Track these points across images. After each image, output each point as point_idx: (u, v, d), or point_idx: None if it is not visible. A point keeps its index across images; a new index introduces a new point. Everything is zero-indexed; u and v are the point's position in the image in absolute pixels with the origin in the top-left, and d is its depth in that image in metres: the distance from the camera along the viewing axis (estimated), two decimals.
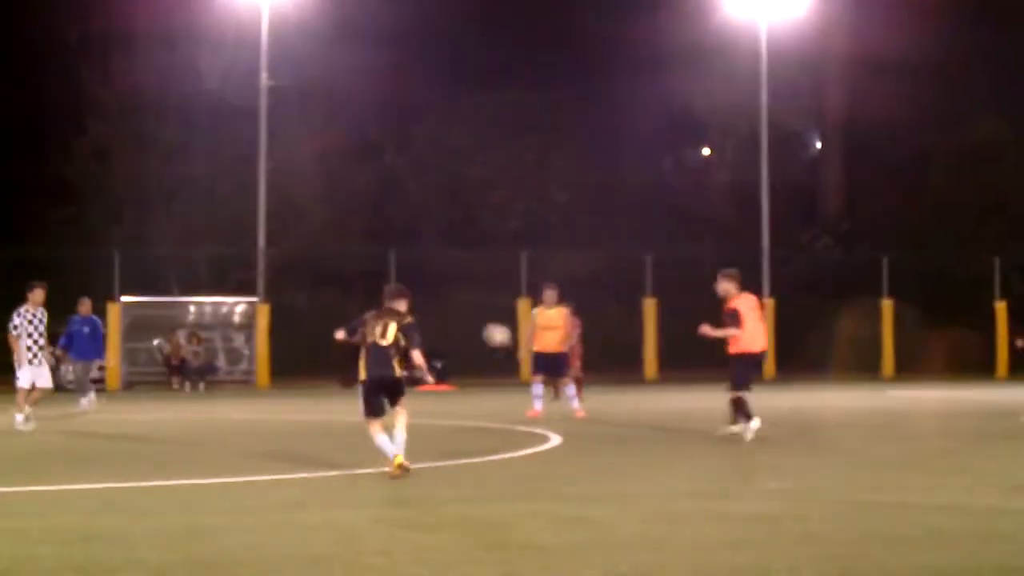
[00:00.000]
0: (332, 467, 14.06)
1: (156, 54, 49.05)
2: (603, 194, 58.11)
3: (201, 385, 38.49)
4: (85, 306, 26.48)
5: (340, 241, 52.79)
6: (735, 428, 17.59)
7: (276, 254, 45.22)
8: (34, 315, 20.86)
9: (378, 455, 13.24)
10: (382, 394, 13.52)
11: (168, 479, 13.13)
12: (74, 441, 18.66)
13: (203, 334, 40.48)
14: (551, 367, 23.35)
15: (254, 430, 21.09)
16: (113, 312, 39.27)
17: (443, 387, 37.88)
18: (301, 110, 51.04)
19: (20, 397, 20.57)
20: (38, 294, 21.04)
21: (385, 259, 43.16)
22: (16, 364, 20.77)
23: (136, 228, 50.37)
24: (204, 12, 46.50)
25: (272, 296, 42.30)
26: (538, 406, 23.16)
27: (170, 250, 48.92)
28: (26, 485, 12.73)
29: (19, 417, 20.30)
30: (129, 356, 40.47)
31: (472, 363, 41.14)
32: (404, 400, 13.50)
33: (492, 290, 46.02)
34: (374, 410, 13.43)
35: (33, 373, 20.75)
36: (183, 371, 39.23)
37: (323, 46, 49.14)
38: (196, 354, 39.40)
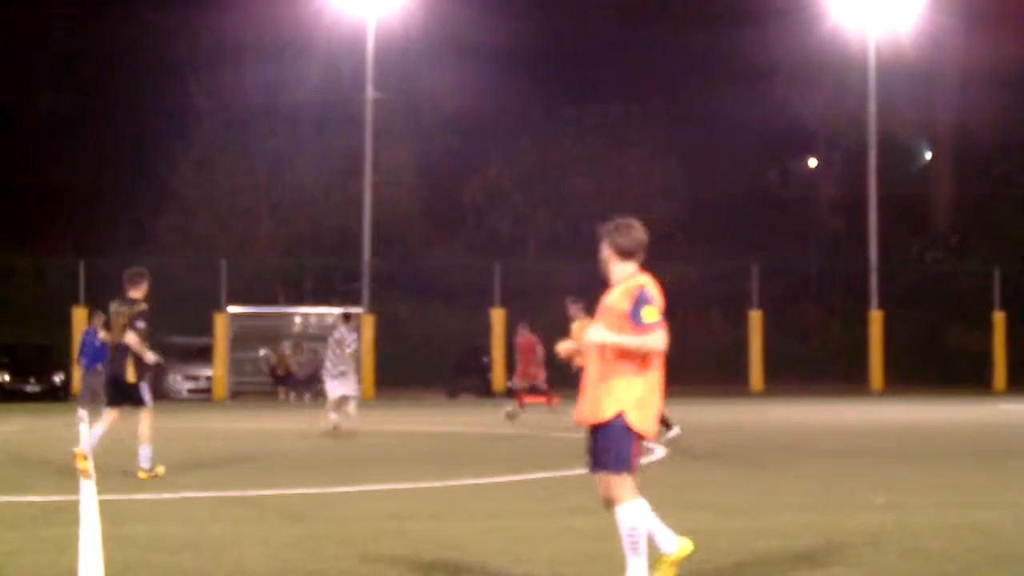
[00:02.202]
0: (433, 478, 14.04)
1: (263, 66, 49.61)
2: (707, 206, 57.75)
3: (307, 395, 38.67)
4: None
5: (445, 253, 52.99)
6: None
7: (381, 265, 45.48)
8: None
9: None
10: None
11: (273, 488, 13.21)
12: (180, 448, 18.82)
13: (308, 345, 40.73)
14: None
15: (360, 441, 21.15)
16: (220, 322, 39.70)
17: (547, 398, 37.77)
18: (407, 122, 51.34)
19: None
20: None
21: (490, 271, 43.19)
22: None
23: (242, 239, 50.93)
24: (311, 24, 46.91)
25: (376, 307, 42.51)
26: None
27: (275, 261, 49.38)
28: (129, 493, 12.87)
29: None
30: (235, 366, 40.81)
31: (576, 375, 40.99)
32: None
33: (595, 302, 45.88)
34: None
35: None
36: (289, 382, 39.54)
37: (428, 59, 49.44)
38: (301, 364, 39.64)
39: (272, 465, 16.38)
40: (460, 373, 41.14)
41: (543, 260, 54.34)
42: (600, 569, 8.37)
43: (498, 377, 40.34)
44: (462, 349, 42.40)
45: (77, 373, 28.28)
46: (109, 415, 14.32)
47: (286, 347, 40.41)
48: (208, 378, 39.94)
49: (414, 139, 52.94)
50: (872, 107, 47.13)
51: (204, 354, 40.15)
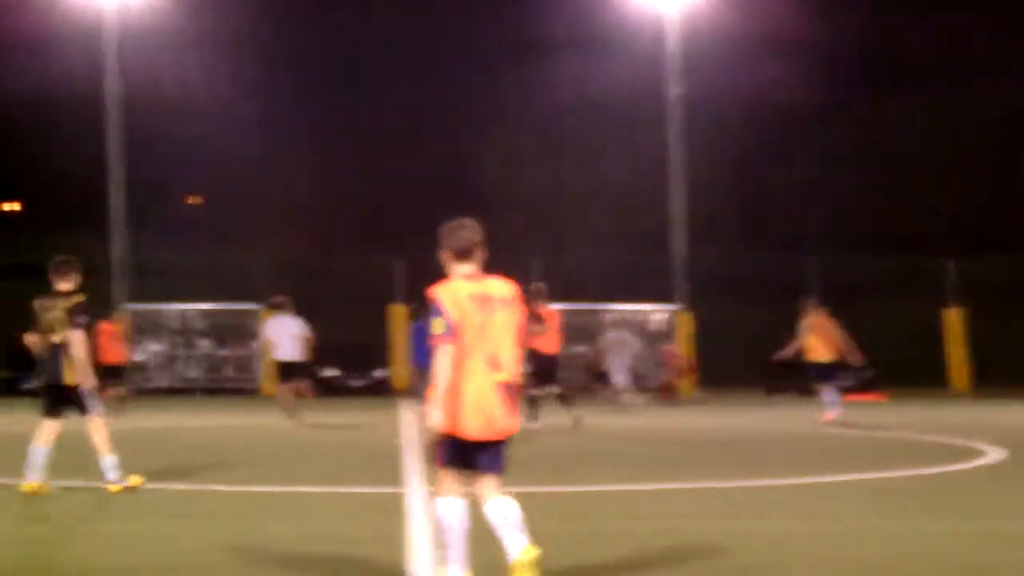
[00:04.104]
0: (756, 476, 13.70)
1: (571, 64, 49.93)
2: None
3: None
4: None
5: (756, 247, 52.28)
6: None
7: (691, 261, 45.02)
8: None
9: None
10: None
11: (593, 484, 13.12)
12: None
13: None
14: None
15: (671, 439, 20.92)
16: None
17: (873, 396, 36.95)
18: (712, 118, 50.84)
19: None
20: None
21: (802, 266, 42.26)
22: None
23: (554, 235, 51.35)
24: (613, 20, 46.85)
25: (689, 304, 42.12)
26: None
27: (586, 257, 49.57)
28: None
29: None
30: None
31: (901, 373, 39.83)
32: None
33: (915, 297, 44.47)
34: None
35: None
36: (605, 379, 39.52)
37: (731, 55, 48.83)
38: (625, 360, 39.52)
39: (600, 460, 16.30)
40: (778, 371, 40.36)
41: (856, 255, 52.96)
42: (929, 572, 7.90)
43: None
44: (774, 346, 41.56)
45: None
46: (47, 427, 12.48)
47: (601, 343, 40.39)
48: (524, 374, 40.34)
49: (720, 133, 52.42)
50: None
51: None
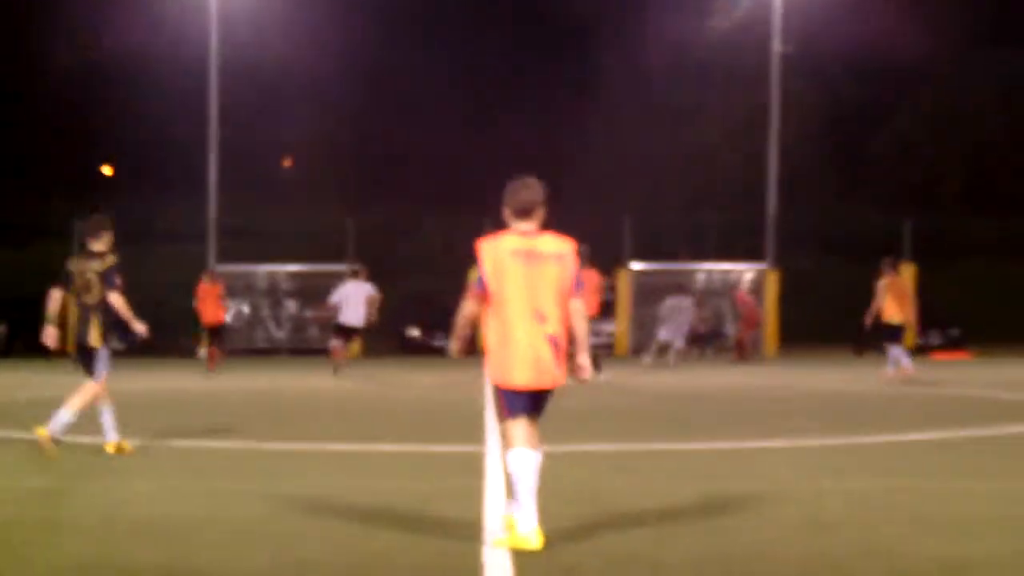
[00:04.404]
0: (839, 434, 13.64)
1: (667, 21, 49.60)
2: None
3: (709, 351, 38.55)
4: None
5: (851, 206, 51.70)
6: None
7: (786, 219, 44.63)
8: None
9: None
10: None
11: (677, 443, 13.14)
12: (590, 401, 19.02)
13: (711, 301, 40.44)
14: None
15: (752, 395, 20.85)
16: (623, 278, 40.03)
17: (960, 355, 36.60)
18: (812, 76, 50.27)
19: None
20: None
21: (898, 226, 41.75)
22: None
23: (647, 194, 51.14)
24: None
25: (781, 262, 41.78)
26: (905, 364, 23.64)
27: (679, 215, 49.32)
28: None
29: None
30: (639, 322, 40.92)
31: (991, 331, 39.31)
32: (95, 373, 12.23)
33: (1011, 257, 43.82)
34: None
35: None
36: (693, 339, 39.40)
37: (833, 11, 48.13)
38: (704, 320, 39.39)
39: (687, 418, 16.33)
40: (866, 331, 39.99)
41: (955, 215, 52.18)
42: (1008, 532, 7.85)
43: (909, 334, 39.13)
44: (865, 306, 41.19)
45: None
46: (92, 389, 12.29)
47: (660, 311, 40.24)
48: (611, 334, 40.34)
49: (820, 91, 51.84)
50: None
51: (607, 310, 40.54)
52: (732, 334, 39.63)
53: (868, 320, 24.29)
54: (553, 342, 7.61)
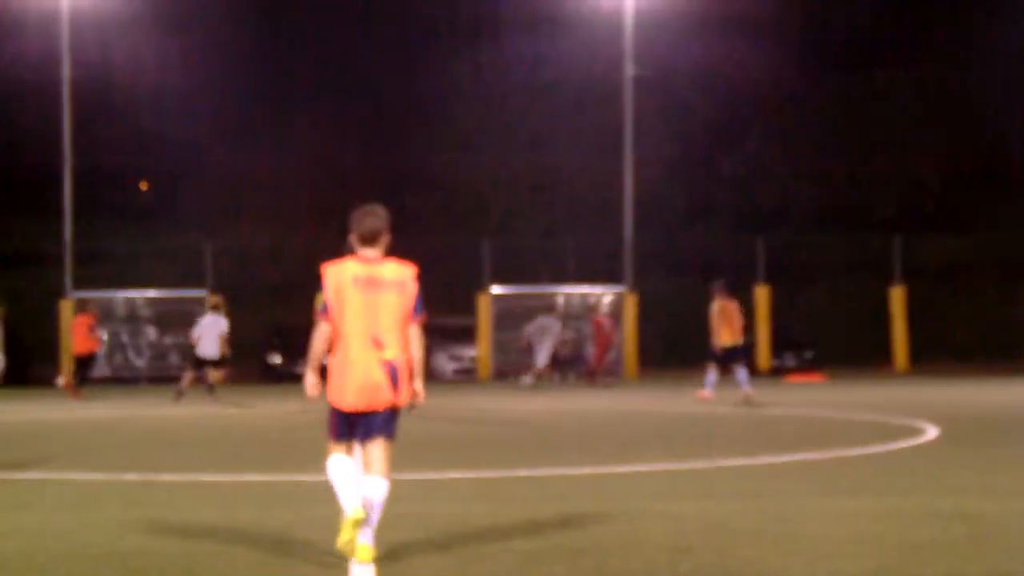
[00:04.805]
0: (696, 458, 13.88)
1: (522, 43, 49.90)
2: (983, 176, 55.51)
3: (571, 376, 38.56)
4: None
5: (705, 228, 52.44)
6: None
7: (642, 243, 45.16)
8: None
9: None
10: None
11: (537, 468, 13.25)
12: (446, 428, 19.08)
13: (571, 324, 40.58)
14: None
15: (627, 421, 21.09)
16: (483, 302, 40.10)
17: (814, 377, 37.23)
18: (665, 99, 50.93)
19: None
20: None
21: (752, 246, 42.52)
22: None
23: (504, 217, 51.36)
24: (568, 1, 46.72)
25: (638, 284, 42.22)
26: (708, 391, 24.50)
27: (537, 239, 49.57)
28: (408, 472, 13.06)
29: None
30: (500, 346, 40.92)
31: (843, 352, 40.15)
32: None
33: (862, 277, 44.79)
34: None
35: None
36: (554, 362, 39.51)
37: (684, 34, 48.86)
38: (565, 344, 39.47)
39: (546, 443, 16.45)
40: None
41: (806, 234, 53.17)
42: (866, 551, 8.09)
43: (762, 356, 39.82)
44: None
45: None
46: None
47: (527, 329, 40.40)
48: (472, 359, 40.44)
49: (672, 114, 52.55)
50: None
51: (468, 334, 40.62)
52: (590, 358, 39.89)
53: (715, 344, 24.51)
54: (389, 367, 7.80)
